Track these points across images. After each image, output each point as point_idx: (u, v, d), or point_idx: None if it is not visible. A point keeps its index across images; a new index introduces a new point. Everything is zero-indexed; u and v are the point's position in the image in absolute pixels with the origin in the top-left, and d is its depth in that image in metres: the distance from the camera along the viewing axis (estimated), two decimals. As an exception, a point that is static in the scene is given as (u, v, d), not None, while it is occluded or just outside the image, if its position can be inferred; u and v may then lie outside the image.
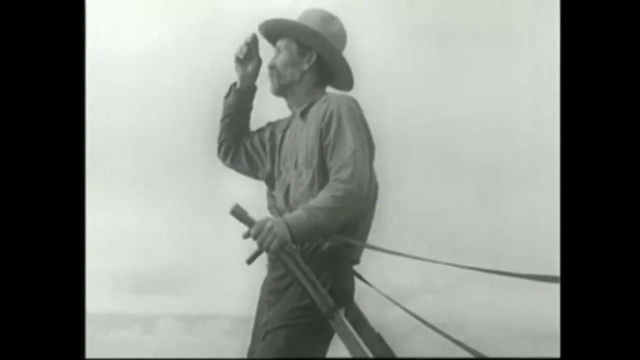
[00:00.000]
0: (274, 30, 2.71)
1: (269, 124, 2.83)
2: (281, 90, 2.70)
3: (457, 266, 2.41)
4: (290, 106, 2.73)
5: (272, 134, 2.77)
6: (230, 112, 2.82)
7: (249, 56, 2.76)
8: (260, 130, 2.84)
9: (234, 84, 2.81)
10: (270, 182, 2.73)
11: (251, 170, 2.84)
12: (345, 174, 2.45)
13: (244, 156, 2.84)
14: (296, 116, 2.69)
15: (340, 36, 2.71)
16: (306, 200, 2.49)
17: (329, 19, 2.69)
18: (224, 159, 2.88)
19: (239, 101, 2.81)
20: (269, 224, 2.38)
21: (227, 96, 2.83)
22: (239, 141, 2.84)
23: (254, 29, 2.75)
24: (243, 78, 2.79)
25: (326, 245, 2.50)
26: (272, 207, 2.67)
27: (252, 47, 2.74)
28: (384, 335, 2.52)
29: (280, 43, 2.70)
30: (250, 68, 2.77)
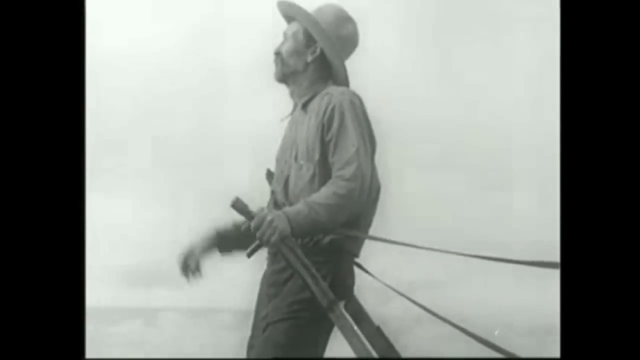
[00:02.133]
0: (288, 13, 2.72)
1: None
2: (284, 77, 2.70)
3: (456, 254, 2.41)
4: (291, 95, 2.72)
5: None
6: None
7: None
8: None
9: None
10: (269, 177, 2.74)
11: None
12: (348, 171, 2.45)
13: None
14: (297, 107, 2.69)
15: (350, 40, 2.70)
16: (306, 194, 2.49)
17: (343, 20, 2.68)
18: None
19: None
20: (269, 217, 2.38)
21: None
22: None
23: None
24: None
25: (327, 238, 2.50)
26: (270, 205, 2.67)
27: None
28: (386, 329, 2.53)
29: (289, 30, 2.70)
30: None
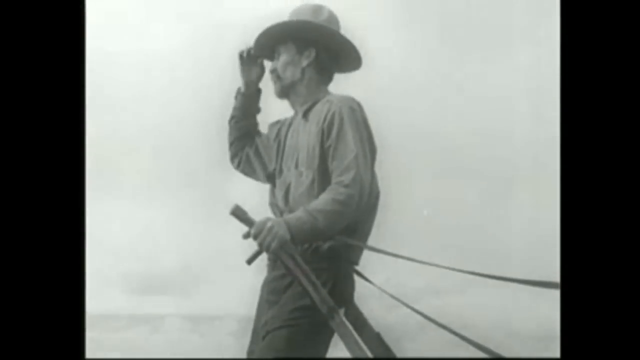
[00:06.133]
0: (269, 44, 2.73)
1: (275, 123, 2.85)
2: (284, 91, 2.72)
3: (457, 270, 2.41)
4: (293, 106, 2.74)
5: (279, 132, 2.79)
6: (237, 113, 2.90)
7: (252, 60, 2.80)
8: (265, 134, 2.88)
9: (240, 89, 2.87)
10: (272, 179, 2.74)
11: (253, 175, 2.89)
12: (347, 178, 2.46)
13: (245, 161, 2.89)
14: (298, 115, 2.70)
15: (332, 20, 2.71)
16: (306, 200, 2.50)
17: (317, 9, 2.71)
18: (231, 161, 2.95)
19: (245, 103, 2.88)
20: (269, 224, 2.38)
21: (235, 98, 2.90)
22: (244, 146, 2.89)
23: (256, 28, 2.76)
24: (247, 84, 2.85)
25: (326, 245, 2.51)
26: (273, 205, 2.69)
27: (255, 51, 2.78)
28: (389, 336, 2.53)
29: (277, 49, 2.71)
30: (253, 74, 2.83)
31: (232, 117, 2.91)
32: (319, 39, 2.67)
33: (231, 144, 2.92)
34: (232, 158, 2.93)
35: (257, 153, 2.87)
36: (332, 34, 2.67)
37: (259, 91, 2.87)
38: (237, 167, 2.93)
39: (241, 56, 2.81)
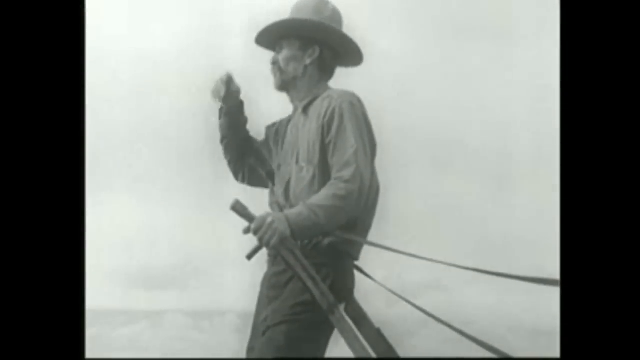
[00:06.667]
0: (271, 37, 2.72)
1: (271, 125, 2.84)
2: (284, 85, 2.71)
3: (457, 266, 2.40)
4: (292, 101, 2.74)
5: (277, 132, 2.78)
6: (226, 133, 2.88)
7: (229, 94, 2.78)
8: (264, 140, 2.87)
9: (222, 108, 2.85)
10: (271, 177, 2.74)
11: (261, 183, 2.87)
12: (347, 173, 2.45)
13: (250, 172, 2.89)
14: (298, 111, 2.69)
15: (335, 17, 2.70)
16: (306, 196, 2.49)
17: (320, 4, 2.69)
18: (235, 178, 2.93)
19: (231, 119, 2.85)
20: (269, 220, 2.38)
21: (219, 119, 2.88)
22: (244, 156, 2.88)
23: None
24: (228, 105, 2.83)
25: (326, 241, 2.50)
26: (272, 204, 2.68)
27: (227, 86, 2.76)
28: (389, 332, 2.53)
29: (280, 42, 2.70)
30: (232, 98, 2.80)
31: (223, 138, 2.88)
32: (321, 36, 2.67)
33: (229, 162, 2.91)
34: (236, 175, 2.92)
35: (260, 159, 2.85)
36: (334, 32, 2.67)
37: (241, 103, 2.85)
38: (243, 181, 2.90)
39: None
